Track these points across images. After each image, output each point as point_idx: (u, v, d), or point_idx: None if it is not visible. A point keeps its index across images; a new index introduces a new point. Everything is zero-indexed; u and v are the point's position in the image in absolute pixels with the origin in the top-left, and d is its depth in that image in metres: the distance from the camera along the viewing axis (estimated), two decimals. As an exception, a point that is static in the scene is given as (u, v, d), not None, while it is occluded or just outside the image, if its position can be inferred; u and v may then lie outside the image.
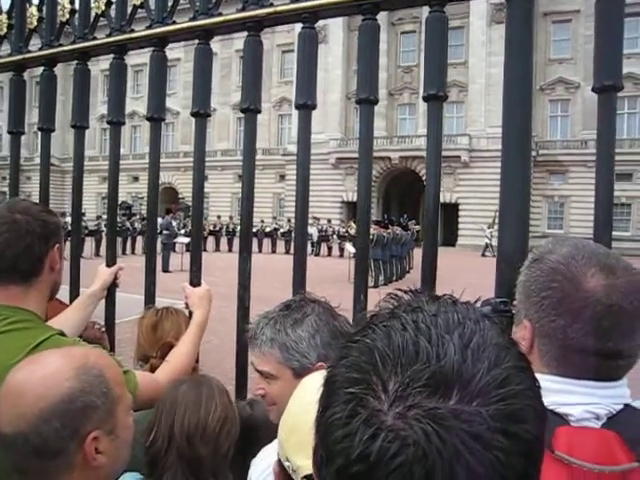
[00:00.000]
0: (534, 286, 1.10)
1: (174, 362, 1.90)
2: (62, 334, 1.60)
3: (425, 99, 1.86)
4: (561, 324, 1.05)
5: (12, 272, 1.59)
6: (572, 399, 1.02)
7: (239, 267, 2.20)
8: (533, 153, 37.99)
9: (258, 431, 1.72)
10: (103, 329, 2.47)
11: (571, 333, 1.03)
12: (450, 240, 40.53)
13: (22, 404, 1.07)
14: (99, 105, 47.68)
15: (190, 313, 2.17)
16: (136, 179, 48.95)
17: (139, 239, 27.46)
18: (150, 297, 2.38)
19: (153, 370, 1.91)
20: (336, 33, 44.51)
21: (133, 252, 26.59)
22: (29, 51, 2.73)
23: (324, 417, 0.56)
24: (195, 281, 2.26)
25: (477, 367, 0.52)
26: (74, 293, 2.47)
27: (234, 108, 47.99)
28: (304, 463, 0.89)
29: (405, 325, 0.56)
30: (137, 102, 48.49)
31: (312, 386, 0.59)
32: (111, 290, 2.38)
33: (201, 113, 2.30)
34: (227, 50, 49.76)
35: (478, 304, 0.64)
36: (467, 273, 16.72)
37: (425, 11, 1.92)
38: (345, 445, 0.52)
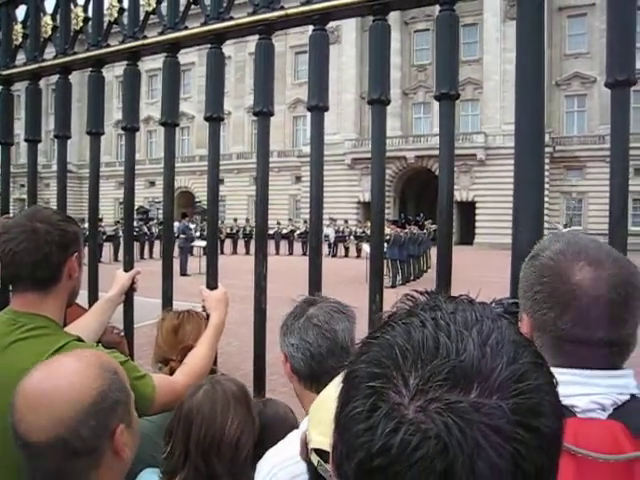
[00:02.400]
0: (528, 282, 1.16)
1: (192, 364, 1.91)
2: (80, 340, 1.62)
3: (437, 98, 1.86)
4: (551, 316, 1.09)
5: (30, 280, 1.62)
6: (577, 390, 1.04)
7: (255, 269, 2.21)
8: (550, 149, 37.61)
9: (266, 430, 1.70)
10: (122, 333, 2.50)
11: (561, 325, 1.07)
12: (467, 239, 40.29)
13: (56, 410, 1.10)
14: (115, 111, 47.86)
15: (208, 316, 2.18)
16: (152, 184, 49.20)
17: (157, 243, 27.66)
18: (167, 300, 2.41)
19: (172, 373, 1.92)
20: (349, 33, 44.43)
21: (151, 256, 26.76)
22: (44, 60, 2.77)
23: (344, 412, 0.56)
24: (212, 284, 2.28)
25: (496, 362, 0.53)
26: (92, 298, 2.50)
27: (249, 111, 47.94)
28: (316, 438, 0.97)
29: (424, 322, 0.57)
30: (152, 107, 48.89)
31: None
32: (129, 294, 2.40)
33: (214, 117, 2.32)
34: (241, 53, 49.98)
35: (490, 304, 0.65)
36: (488, 271, 16.62)
37: (438, 9, 1.91)
38: (366, 439, 0.52)
